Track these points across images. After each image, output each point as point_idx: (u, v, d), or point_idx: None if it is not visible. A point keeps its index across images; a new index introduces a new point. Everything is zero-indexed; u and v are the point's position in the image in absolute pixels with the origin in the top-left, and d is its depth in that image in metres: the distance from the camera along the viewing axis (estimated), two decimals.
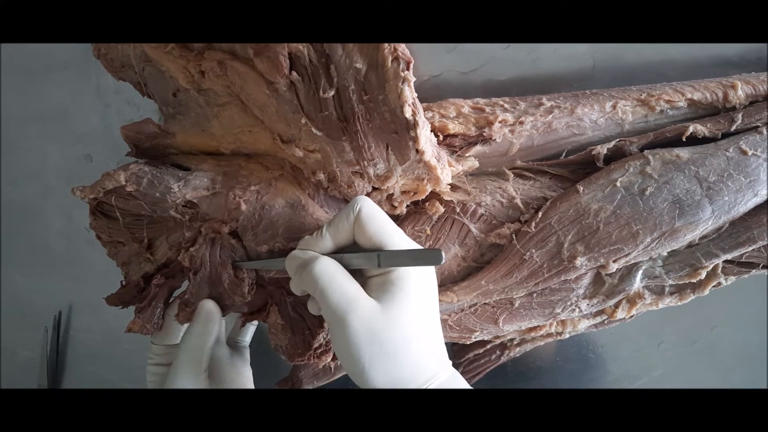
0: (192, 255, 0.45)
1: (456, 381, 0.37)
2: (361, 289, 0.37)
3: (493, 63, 0.48)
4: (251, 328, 0.54)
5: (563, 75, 0.48)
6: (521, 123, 0.44)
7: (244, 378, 0.50)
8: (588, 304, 0.47)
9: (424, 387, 0.35)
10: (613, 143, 0.45)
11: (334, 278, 0.36)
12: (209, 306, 0.45)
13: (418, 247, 0.39)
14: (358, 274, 0.38)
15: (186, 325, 0.47)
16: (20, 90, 0.59)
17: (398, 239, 0.38)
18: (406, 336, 0.35)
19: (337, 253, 0.38)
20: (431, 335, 0.38)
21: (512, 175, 0.46)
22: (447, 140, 0.45)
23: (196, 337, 0.44)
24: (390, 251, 0.37)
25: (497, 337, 0.52)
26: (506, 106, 0.45)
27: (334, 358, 0.46)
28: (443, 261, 0.35)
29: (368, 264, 0.37)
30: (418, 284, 0.37)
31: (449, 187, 0.45)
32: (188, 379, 0.43)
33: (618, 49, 0.47)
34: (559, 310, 0.47)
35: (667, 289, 0.48)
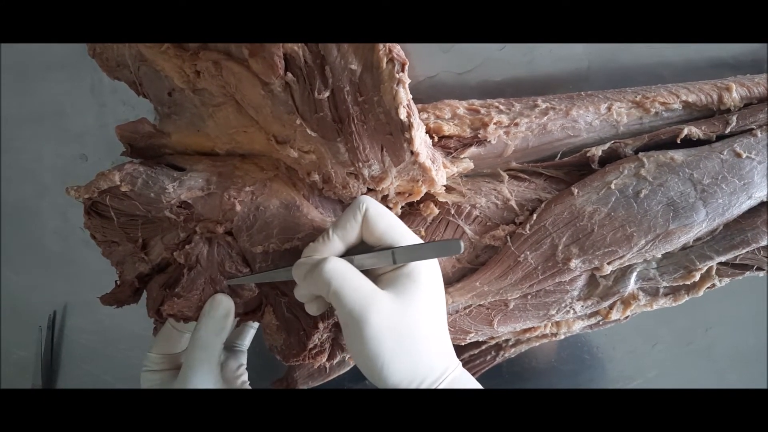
0: (188, 252, 0.44)
1: (465, 379, 0.37)
2: (375, 285, 0.36)
3: (488, 64, 0.48)
4: (251, 331, 0.53)
5: (559, 76, 0.48)
6: (516, 124, 0.44)
7: (241, 382, 0.50)
8: (582, 306, 0.47)
9: (436, 383, 0.35)
10: (607, 145, 0.45)
11: (347, 276, 0.35)
12: (225, 300, 0.43)
13: (422, 241, 0.38)
14: (365, 273, 0.38)
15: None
16: (15, 89, 0.59)
17: (407, 235, 0.38)
18: (422, 330, 0.35)
19: (346, 256, 0.38)
20: (442, 330, 0.38)
21: (507, 176, 0.46)
22: (442, 141, 0.45)
23: (209, 333, 0.42)
24: (406, 246, 0.36)
25: (492, 338, 0.52)
26: (501, 107, 0.45)
27: (329, 358, 0.46)
28: (462, 250, 0.35)
29: (381, 262, 0.37)
30: (429, 278, 0.37)
31: (444, 188, 0.45)
32: (203, 377, 0.42)
33: (613, 50, 0.47)
34: (553, 312, 0.47)
35: (661, 290, 0.48)
